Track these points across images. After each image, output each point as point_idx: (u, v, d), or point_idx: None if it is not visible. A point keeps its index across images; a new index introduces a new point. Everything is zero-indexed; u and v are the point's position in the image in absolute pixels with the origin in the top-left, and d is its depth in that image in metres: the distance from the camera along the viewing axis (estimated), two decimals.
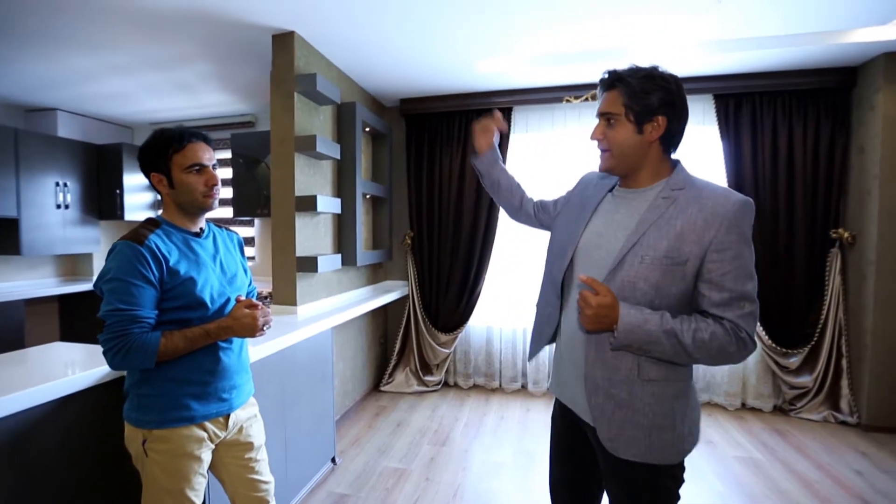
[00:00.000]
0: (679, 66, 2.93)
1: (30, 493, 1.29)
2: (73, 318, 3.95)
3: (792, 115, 3.04)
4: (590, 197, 1.16)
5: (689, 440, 1.02)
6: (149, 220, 1.21)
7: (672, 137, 1.02)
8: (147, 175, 1.23)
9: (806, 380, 3.04)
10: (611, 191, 1.12)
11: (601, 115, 1.04)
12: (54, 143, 3.68)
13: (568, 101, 3.35)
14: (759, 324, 3.08)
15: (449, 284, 3.58)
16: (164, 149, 1.19)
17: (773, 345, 3.08)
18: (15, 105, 3.79)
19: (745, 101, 3.11)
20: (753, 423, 2.99)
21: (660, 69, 1.01)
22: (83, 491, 1.43)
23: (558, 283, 1.14)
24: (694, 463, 2.47)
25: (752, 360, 3.19)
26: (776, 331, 3.10)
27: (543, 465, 2.42)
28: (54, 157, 3.67)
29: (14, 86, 3.32)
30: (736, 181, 3.12)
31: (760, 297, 2.98)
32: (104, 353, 1.10)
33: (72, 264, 4.19)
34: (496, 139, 1.36)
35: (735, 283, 0.93)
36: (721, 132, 3.15)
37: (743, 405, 3.23)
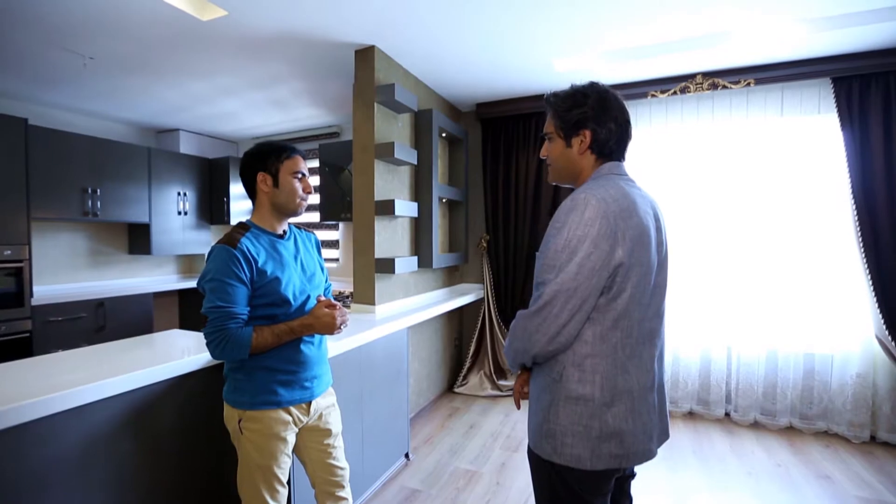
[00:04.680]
0: (786, 49, 2.61)
1: (151, 457, 1.49)
2: (189, 309, 4.55)
3: None
4: None
5: (549, 445, 1.03)
6: (240, 225, 1.35)
7: (603, 145, 1.09)
8: (252, 174, 1.34)
9: None
10: None
11: (544, 134, 1.18)
12: (177, 158, 4.27)
13: (653, 95, 3.14)
14: (894, 343, 2.61)
15: (524, 288, 3.52)
16: (278, 153, 1.35)
17: None
18: (149, 128, 4.46)
19: (875, 82, 2.67)
20: (886, 460, 2.53)
21: (582, 86, 1.11)
22: (193, 459, 1.63)
23: None
24: (807, 499, 2.16)
25: (886, 385, 2.71)
26: None
27: None
28: (177, 171, 4.25)
29: (150, 112, 3.91)
30: (862, 176, 2.69)
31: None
32: (207, 344, 1.26)
33: (189, 263, 4.82)
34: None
35: (539, 269, 1.05)
36: (842, 121, 2.73)
37: (872, 438, 2.76)
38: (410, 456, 2.56)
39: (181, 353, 1.70)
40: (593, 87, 1.10)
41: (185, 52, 2.66)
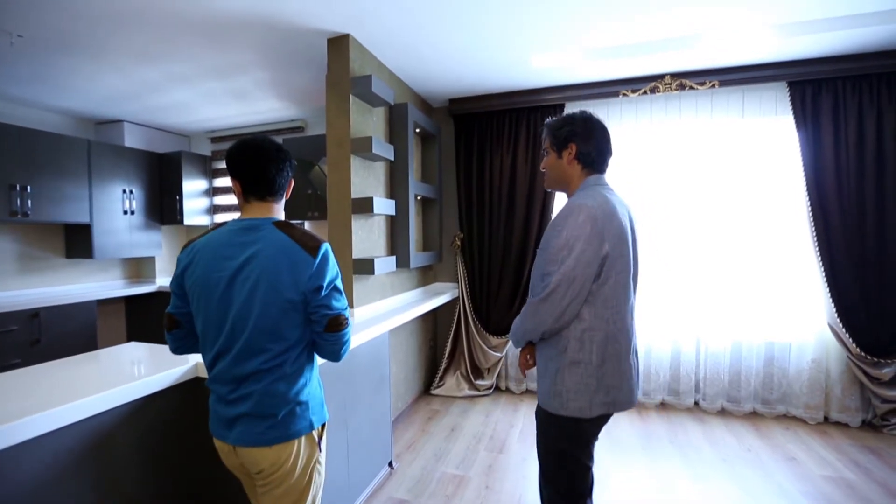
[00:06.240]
0: (747, 53, 2.74)
1: (113, 495, 1.31)
2: (138, 318, 4.17)
3: (881, 100, 2.76)
4: None
5: (556, 402, 1.30)
6: (291, 224, 1.22)
7: (586, 157, 1.37)
8: (291, 176, 1.28)
9: None
10: None
11: (543, 150, 1.46)
12: (121, 152, 3.89)
13: (625, 94, 3.20)
14: (844, 330, 2.82)
15: (500, 286, 3.50)
16: None
17: (862, 353, 2.80)
18: (87, 118, 4.03)
19: (825, 87, 2.86)
20: (840, 439, 2.72)
21: (573, 112, 1.41)
22: (163, 493, 1.45)
23: None
24: (778, 481, 2.27)
25: (837, 369, 2.92)
26: (865, 337, 2.81)
27: (606, 475, 2.31)
28: (121, 166, 3.88)
29: (87, 100, 3.52)
30: (815, 174, 2.87)
31: (846, 300, 2.65)
32: (342, 348, 1.21)
33: (136, 267, 4.41)
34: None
35: (545, 264, 1.30)
36: (797, 122, 2.91)
37: (826, 419, 2.96)
38: (394, 464, 2.46)
39: (142, 369, 1.52)
40: (581, 112, 1.41)
41: (133, 31, 2.39)
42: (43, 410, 1.12)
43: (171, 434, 1.49)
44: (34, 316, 3.12)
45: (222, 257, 1.14)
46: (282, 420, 1.14)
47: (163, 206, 4.23)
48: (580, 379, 1.27)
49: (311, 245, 1.14)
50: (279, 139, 4.07)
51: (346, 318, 1.19)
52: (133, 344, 1.90)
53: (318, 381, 1.28)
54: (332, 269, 1.17)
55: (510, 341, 3.51)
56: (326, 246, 1.17)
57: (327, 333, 1.16)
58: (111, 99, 3.51)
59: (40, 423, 1.11)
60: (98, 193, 3.67)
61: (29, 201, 3.19)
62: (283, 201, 1.27)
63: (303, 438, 1.18)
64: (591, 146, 1.36)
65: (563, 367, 1.29)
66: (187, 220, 4.20)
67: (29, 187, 3.18)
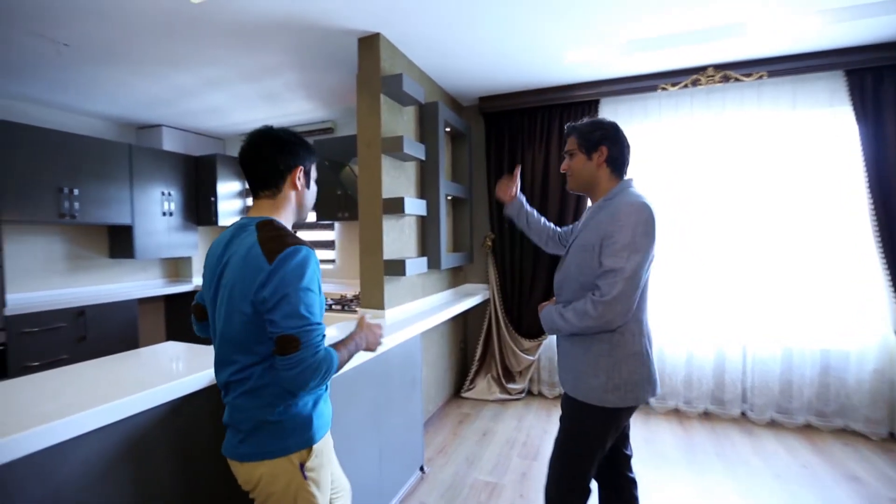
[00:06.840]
0: (798, 41, 2.56)
1: (152, 496, 1.32)
2: (176, 316, 4.30)
3: None
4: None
5: (616, 395, 1.33)
6: (273, 223, 1.09)
7: (615, 161, 1.42)
8: (290, 164, 1.12)
9: None
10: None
11: (566, 153, 1.50)
12: (160, 156, 4.01)
13: (664, 88, 3.05)
14: None
15: (533, 288, 3.41)
16: (312, 152, 1.19)
17: None
18: (129, 123, 4.19)
19: (888, 74, 2.64)
20: None
21: (599, 118, 1.47)
22: (199, 494, 1.45)
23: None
24: (839, 502, 2.10)
25: None
26: None
27: (647, 490, 2.18)
28: (160, 169, 4.00)
29: (129, 106, 3.65)
30: (878, 170, 2.65)
31: None
32: (295, 374, 0.98)
33: (175, 267, 4.56)
34: (516, 191, 1.80)
35: (607, 261, 1.30)
36: (857, 114, 2.70)
37: (891, 435, 2.73)
38: (425, 469, 2.42)
39: (181, 368, 1.52)
40: (607, 120, 1.46)
41: (172, 39, 2.45)
42: (83, 410, 1.12)
43: (210, 435, 1.49)
44: (80, 314, 3.25)
45: (215, 262, 1.13)
46: (250, 437, 1.06)
47: (199, 208, 4.34)
48: (636, 369, 1.33)
49: (274, 249, 0.99)
50: (310, 140, 4.10)
51: (303, 342, 0.97)
52: (170, 343, 1.92)
53: (310, 400, 1.11)
54: (290, 278, 0.98)
55: (542, 338, 3.41)
56: (291, 251, 0.99)
57: (277, 356, 0.99)
58: (150, 104, 3.62)
59: (80, 423, 1.10)
60: (139, 195, 3.80)
61: (76, 203, 3.32)
62: (284, 197, 1.13)
63: (276, 462, 1.06)
64: (619, 150, 1.42)
65: (620, 359, 1.33)
66: (222, 221, 4.29)
67: (76, 190, 3.32)
